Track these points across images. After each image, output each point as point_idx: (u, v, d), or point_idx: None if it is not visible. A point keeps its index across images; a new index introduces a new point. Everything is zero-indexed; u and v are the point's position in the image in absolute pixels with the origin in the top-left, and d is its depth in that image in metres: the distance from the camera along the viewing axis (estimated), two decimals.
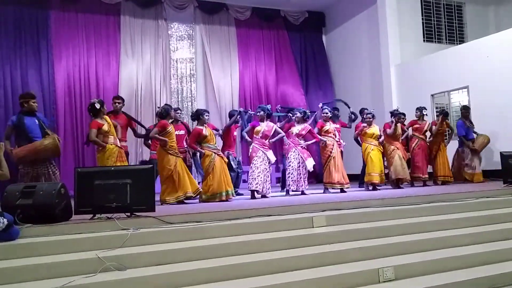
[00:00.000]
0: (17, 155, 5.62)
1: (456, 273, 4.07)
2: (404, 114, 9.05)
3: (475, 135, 9.11)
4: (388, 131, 8.30)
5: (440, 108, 10.35)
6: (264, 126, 7.43)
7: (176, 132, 7.18)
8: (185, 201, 6.68)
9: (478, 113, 9.31)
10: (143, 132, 8.31)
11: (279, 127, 7.84)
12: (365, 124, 8.23)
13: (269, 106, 7.86)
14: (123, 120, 7.44)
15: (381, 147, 8.29)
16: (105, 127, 6.18)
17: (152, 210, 4.45)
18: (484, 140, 8.96)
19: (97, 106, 6.18)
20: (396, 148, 8.29)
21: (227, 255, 3.98)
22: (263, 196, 7.26)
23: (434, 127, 8.93)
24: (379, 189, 8.01)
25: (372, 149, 8.13)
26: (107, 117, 6.41)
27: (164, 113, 6.81)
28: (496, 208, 5.59)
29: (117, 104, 7.49)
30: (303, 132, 7.79)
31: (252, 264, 3.83)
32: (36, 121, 5.91)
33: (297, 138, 7.72)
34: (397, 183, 8.34)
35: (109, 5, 11.24)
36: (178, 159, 6.70)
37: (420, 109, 8.96)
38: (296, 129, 7.77)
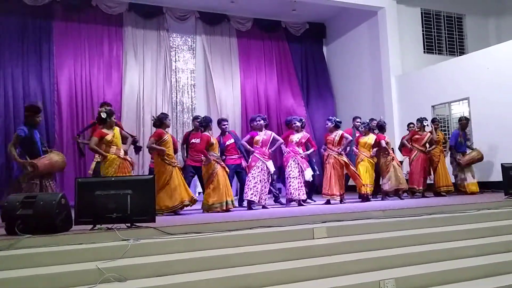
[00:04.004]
0: (40, 167, 5.50)
1: (458, 286, 4.04)
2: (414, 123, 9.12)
3: (468, 150, 9.05)
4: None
5: (441, 119, 10.35)
6: (263, 135, 7.45)
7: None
8: (180, 212, 6.69)
9: (478, 124, 9.32)
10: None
11: None
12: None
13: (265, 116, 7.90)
14: None
15: (374, 159, 8.32)
16: (109, 137, 6.12)
17: (153, 220, 4.44)
18: (476, 155, 8.84)
19: (103, 115, 6.17)
20: (392, 158, 8.29)
21: (227, 266, 3.96)
22: (264, 207, 7.24)
23: (431, 135, 8.94)
24: (371, 200, 8.04)
25: (362, 160, 8.16)
26: (116, 128, 6.36)
27: (158, 122, 6.90)
28: (498, 220, 5.57)
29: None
30: (303, 141, 7.81)
31: (253, 276, 3.81)
32: (38, 135, 5.87)
33: (296, 147, 7.72)
34: (395, 194, 8.34)
35: (111, 15, 11.31)
36: (174, 168, 6.73)
37: (420, 120, 8.91)
38: (295, 137, 7.76)
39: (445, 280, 4.09)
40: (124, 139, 6.50)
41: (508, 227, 5.29)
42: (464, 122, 9.11)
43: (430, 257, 4.47)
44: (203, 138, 7.00)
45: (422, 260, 4.40)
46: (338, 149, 7.79)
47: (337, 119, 8.04)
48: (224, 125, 7.87)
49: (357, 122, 8.87)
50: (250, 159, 7.43)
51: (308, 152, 7.97)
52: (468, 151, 9.06)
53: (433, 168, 8.94)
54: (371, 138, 8.31)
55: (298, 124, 7.86)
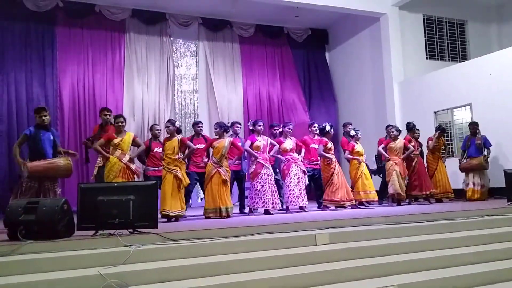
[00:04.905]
0: (30, 169, 5.46)
1: None
2: (418, 129, 9.06)
3: (485, 152, 8.80)
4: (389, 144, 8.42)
5: (443, 125, 10.30)
6: (262, 141, 7.41)
7: (197, 146, 7.46)
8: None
9: (481, 130, 9.27)
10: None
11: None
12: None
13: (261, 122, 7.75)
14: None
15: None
16: (116, 141, 6.20)
17: (155, 226, 4.44)
18: (475, 162, 8.71)
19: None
20: (394, 163, 8.26)
21: (229, 272, 3.95)
22: (266, 213, 7.22)
23: (430, 142, 8.90)
24: (374, 207, 8.04)
25: (365, 167, 8.18)
26: (130, 134, 6.39)
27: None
28: (500, 226, 5.55)
29: (107, 116, 7.26)
30: (294, 145, 7.81)
31: (255, 282, 3.80)
32: (51, 136, 5.80)
33: (292, 154, 7.68)
34: (398, 201, 8.32)
35: (114, 21, 11.36)
36: (168, 174, 6.62)
37: (410, 127, 8.98)
38: (288, 145, 7.69)
39: (447, 287, 4.07)
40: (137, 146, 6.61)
41: (510, 234, 5.27)
42: (470, 128, 9.06)
43: (433, 263, 4.45)
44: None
45: (425, 267, 4.38)
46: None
47: None
48: (237, 127, 8.09)
49: (349, 128, 8.89)
50: (254, 166, 7.27)
51: (302, 153, 7.97)
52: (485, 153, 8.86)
53: (430, 174, 8.91)
54: (359, 145, 8.43)
55: (286, 129, 7.75)
